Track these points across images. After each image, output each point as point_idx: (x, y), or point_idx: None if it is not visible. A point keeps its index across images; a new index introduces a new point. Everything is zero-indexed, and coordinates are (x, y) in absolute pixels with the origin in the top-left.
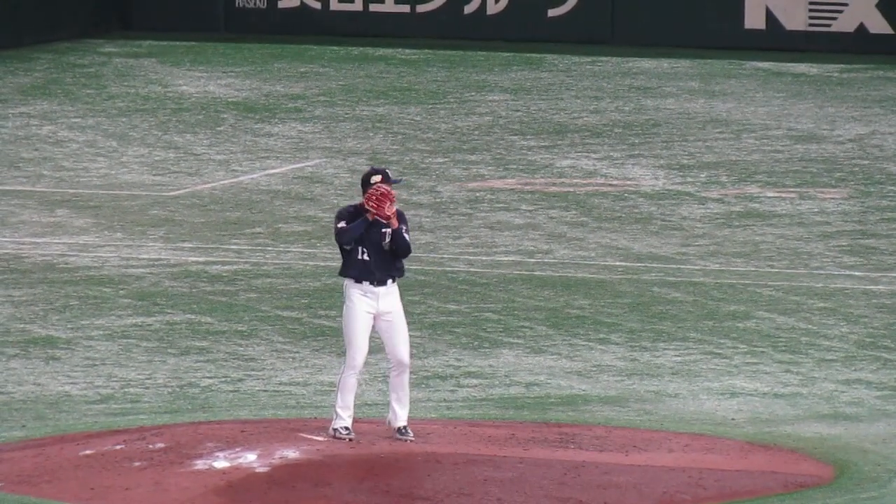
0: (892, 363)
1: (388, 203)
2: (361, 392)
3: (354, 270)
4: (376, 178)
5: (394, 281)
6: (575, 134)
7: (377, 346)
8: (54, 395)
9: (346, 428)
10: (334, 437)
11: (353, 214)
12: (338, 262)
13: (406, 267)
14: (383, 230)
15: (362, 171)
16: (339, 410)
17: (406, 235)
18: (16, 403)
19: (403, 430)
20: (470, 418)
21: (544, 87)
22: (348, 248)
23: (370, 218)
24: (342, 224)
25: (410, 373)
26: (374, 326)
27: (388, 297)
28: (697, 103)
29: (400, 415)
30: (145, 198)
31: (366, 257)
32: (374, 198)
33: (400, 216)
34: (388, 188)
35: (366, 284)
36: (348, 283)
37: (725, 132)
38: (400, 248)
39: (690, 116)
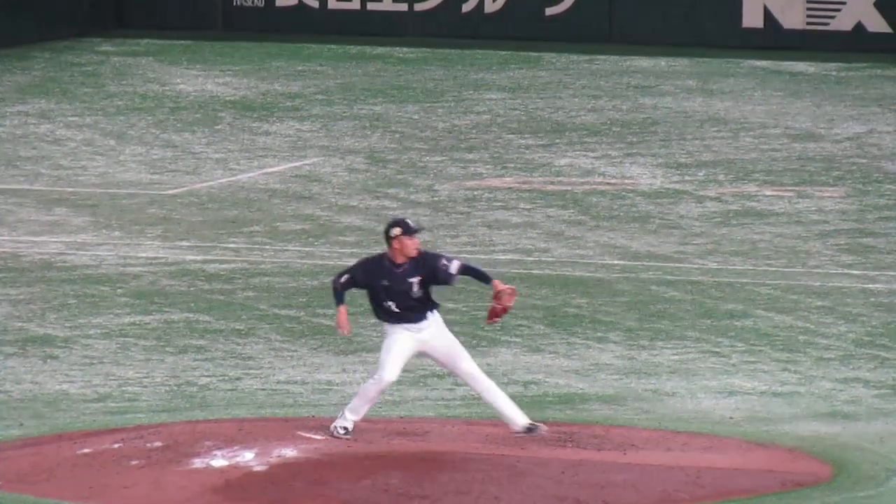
0: (889, 362)
1: (503, 308)
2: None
3: (389, 317)
4: (396, 231)
5: (432, 313)
6: (573, 132)
7: (375, 345)
8: (52, 394)
9: (345, 429)
10: (332, 435)
11: (367, 273)
12: (336, 262)
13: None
14: (409, 280)
15: (359, 170)
16: (347, 412)
17: (457, 265)
18: (14, 402)
19: (531, 427)
20: (468, 417)
21: (542, 86)
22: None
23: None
24: (344, 280)
25: (404, 372)
26: (425, 353)
27: (429, 328)
28: (695, 102)
29: (514, 418)
30: (143, 196)
31: (394, 308)
32: (499, 312)
33: (433, 258)
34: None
35: (405, 324)
36: (386, 324)
37: (723, 131)
38: (479, 275)
39: (688, 115)
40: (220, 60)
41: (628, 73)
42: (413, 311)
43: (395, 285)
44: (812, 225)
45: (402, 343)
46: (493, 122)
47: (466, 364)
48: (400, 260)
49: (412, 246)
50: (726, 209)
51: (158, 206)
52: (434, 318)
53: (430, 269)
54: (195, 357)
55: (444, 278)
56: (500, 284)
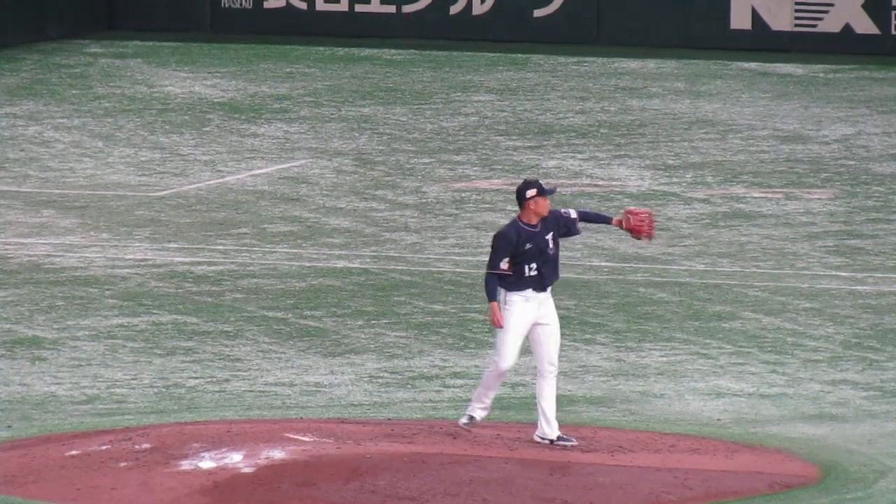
0: (877, 363)
1: (647, 225)
2: (347, 393)
3: (523, 284)
4: (532, 192)
5: (552, 286)
6: (561, 134)
7: (363, 346)
8: (40, 396)
9: (470, 417)
10: (465, 426)
11: (517, 236)
12: (324, 264)
13: (391, 267)
14: (546, 237)
15: (347, 172)
16: (475, 402)
17: (574, 211)
18: (1, 404)
19: (563, 438)
20: (456, 419)
21: (530, 88)
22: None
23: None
24: (504, 265)
25: (389, 373)
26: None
27: (547, 302)
28: (683, 104)
29: (545, 426)
30: (131, 198)
31: (534, 273)
32: (645, 225)
33: (554, 212)
34: (647, 220)
35: (529, 291)
36: (507, 291)
37: (711, 132)
38: (596, 218)
39: (676, 117)
40: (209, 62)
41: (616, 74)
42: (550, 272)
43: (537, 246)
44: (800, 227)
45: (520, 323)
46: (481, 123)
47: (556, 348)
48: (534, 221)
49: (546, 206)
50: (714, 211)
51: (146, 207)
52: (549, 293)
53: (556, 222)
54: (183, 359)
55: (571, 225)
56: (623, 219)
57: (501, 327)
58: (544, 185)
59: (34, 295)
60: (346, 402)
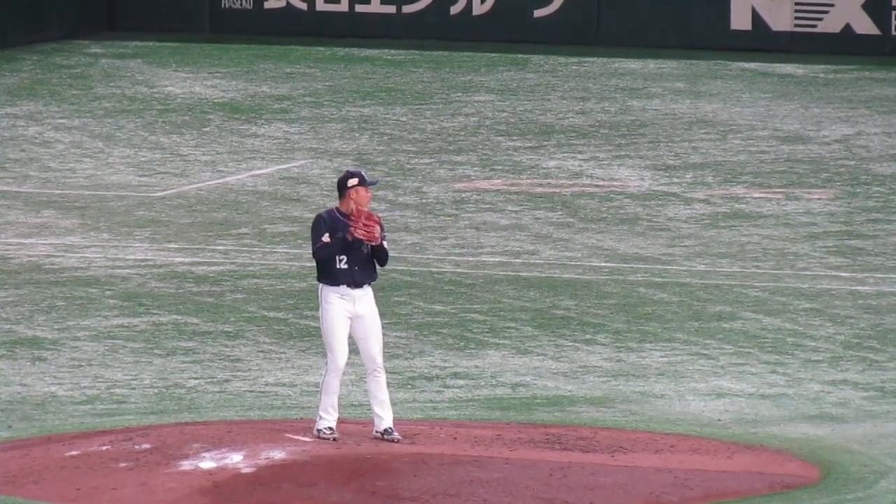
0: (878, 364)
1: (376, 226)
2: (347, 393)
3: (332, 277)
4: (353, 182)
5: (369, 285)
6: (561, 135)
7: (357, 348)
8: (40, 396)
9: (330, 428)
10: (318, 437)
11: (332, 222)
12: None
13: (391, 267)
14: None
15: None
16: (321, 413)
17: (385, 244)
18: (2, 404)
19: (389, 431)
20: (456, 419)
21: (530, 88)
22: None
23: (353, 238)
24: (326, 238)
25: (390, 373)
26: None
27: (363, 299)
28: (683, 104)
29: (384, 417)
30: (131, 198)
31: (344, 266)
32: (361, 224)
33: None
34: (370, 213)
35: (343, 287)
36: (325, 287)
37: (711, 133)
38: (382, 259)
39: (676, 117)
40: (209, 62)
41: (616, 75)
42: (362, 269)
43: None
44: (800, 227)
45: (338, 321)
46: (482, 124)
47: (375, 350)
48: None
49: (367, 197)
50: (714, 211)
51: (147, 208)
52: (369, 290)
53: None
54: (183, 359)
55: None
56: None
57: (373, 237)
58: (366, 176)
59: (34, 295)
60: (346, 402)
